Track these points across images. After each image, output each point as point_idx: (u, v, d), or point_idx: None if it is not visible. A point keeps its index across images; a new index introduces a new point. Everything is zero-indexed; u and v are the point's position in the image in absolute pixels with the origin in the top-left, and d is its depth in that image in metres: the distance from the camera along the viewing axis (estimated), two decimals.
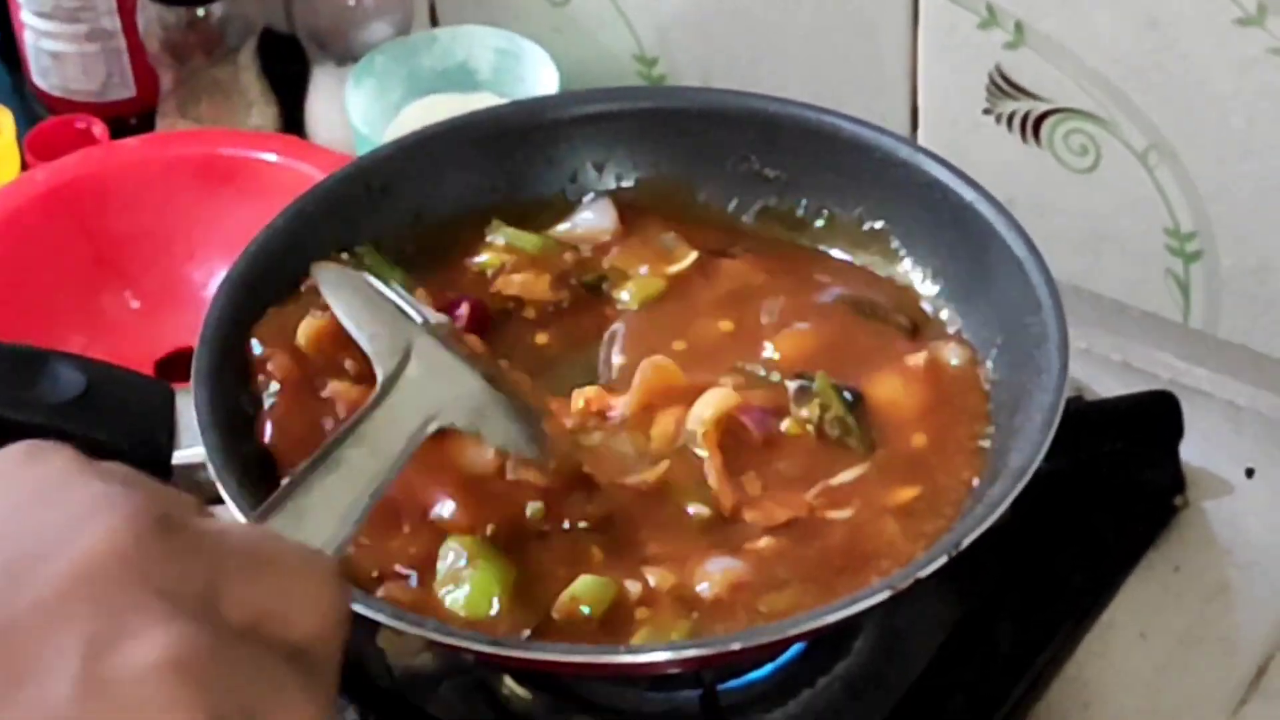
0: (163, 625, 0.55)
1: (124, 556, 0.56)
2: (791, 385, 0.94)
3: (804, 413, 0.93)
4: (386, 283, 0.97)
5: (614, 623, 0.85)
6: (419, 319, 0.92)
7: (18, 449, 0.60)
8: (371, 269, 1.00)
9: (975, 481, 0.90)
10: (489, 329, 0.99)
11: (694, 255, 1.02)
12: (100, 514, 0.57)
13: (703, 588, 0.86)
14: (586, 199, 1.05)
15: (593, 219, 1.04)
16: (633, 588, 0.86)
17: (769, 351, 0.96)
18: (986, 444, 0.92)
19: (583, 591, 0.85)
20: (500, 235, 1.03)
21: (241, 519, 0.85)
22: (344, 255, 1.00)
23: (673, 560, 0.87)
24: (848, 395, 0.93)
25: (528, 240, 1.03)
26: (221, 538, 0.60)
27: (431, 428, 0.85)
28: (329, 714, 0.61)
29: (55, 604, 0.55)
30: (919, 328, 0.98)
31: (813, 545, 0.87)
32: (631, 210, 1.04)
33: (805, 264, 1.02)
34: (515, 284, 1.01)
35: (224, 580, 0.58)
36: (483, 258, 1.03)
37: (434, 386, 0.87)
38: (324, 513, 0.76)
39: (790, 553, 0.87)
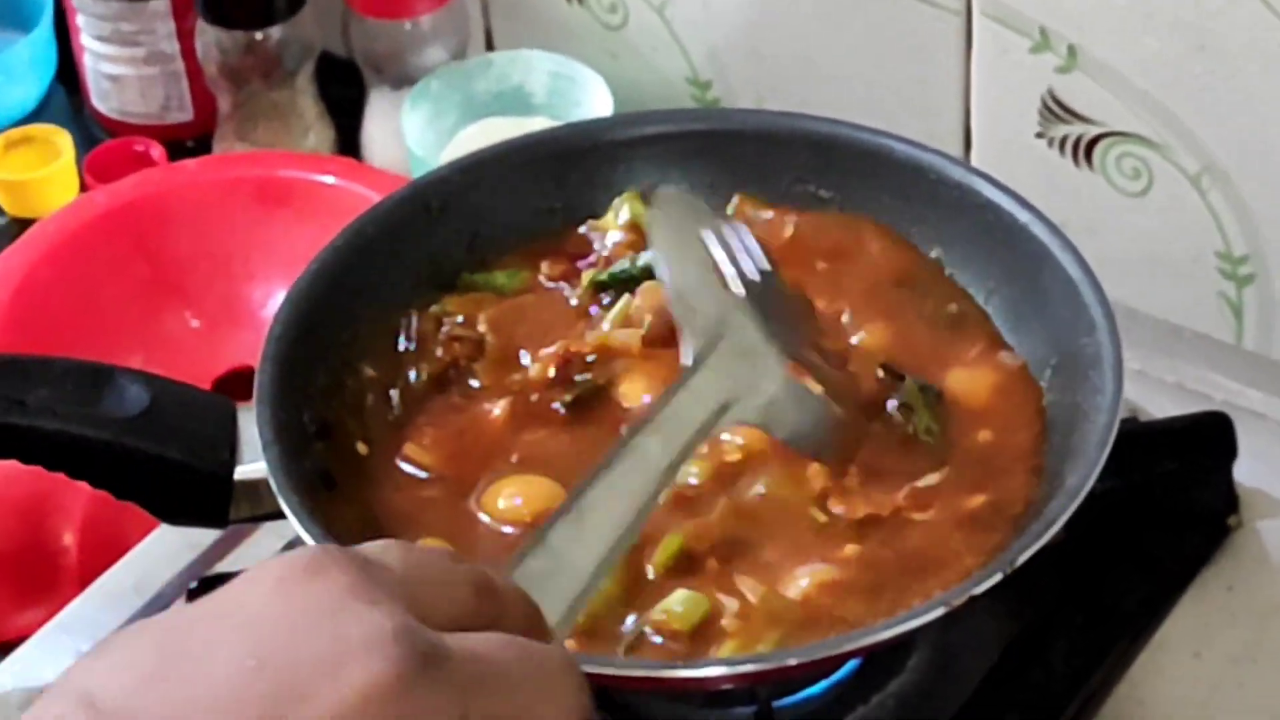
0: None
1: (384, 702, 0.56)
2: (880, 373, 0.94)
3: (894, 410, 0.93)
4: (721, 227, 0.95)
5: (703, 635, 0.86)
6: (740, 292, 0.91)
7: (301, 559, 0.60)
8: None
9: (1031, 499, 0.89)
10: None
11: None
12: (370, 654, 0.57)
13: (793, 591, 0.87)
14: None
15: None
16: (728, 604, 0.86)
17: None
18: (1042, 461, 0.91)
19: (677, 606, 0.86)
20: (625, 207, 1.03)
21: (305, 535, 0.85)
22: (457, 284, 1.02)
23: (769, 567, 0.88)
24: (932, 393, 0.93)
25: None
26: (479, 663, 0.60)
27: (725, 420, 0.85)
28: None
29: None
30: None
31: (891, 548, 0.88)
32: None
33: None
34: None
35: (475, 707, 0.59)
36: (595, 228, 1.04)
37: (736, 373, 0.87)
38: (605, 512, 0.76)
39: (872, 556, 0.88)
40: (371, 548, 0.63)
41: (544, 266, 1.02)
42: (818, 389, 0.91)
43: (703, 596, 0.87)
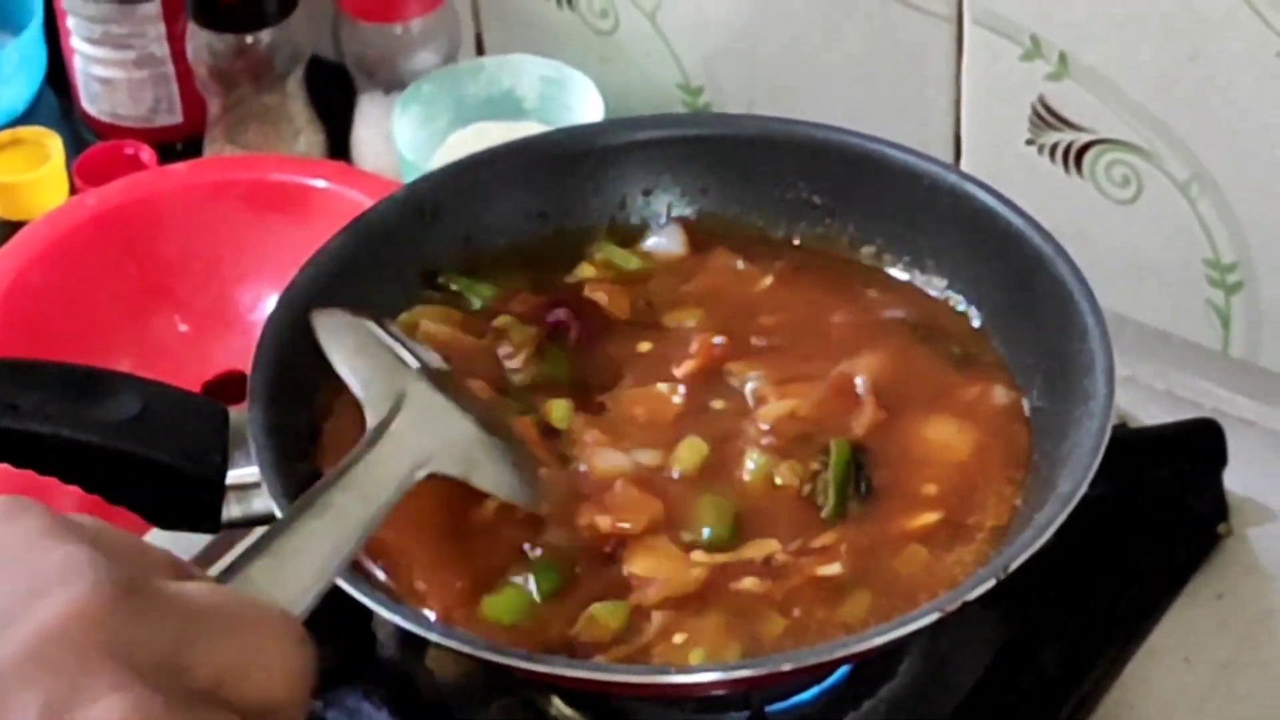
0: (120, 691, 0.57)
1: (87, 623, 0.57)
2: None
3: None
4: (385, 327, 0.96)
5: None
6: (415, 365, 0.92)
7: None
8: (462, 289, 1.01)
9: (1018, 505, 0.90)
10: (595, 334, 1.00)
11: (769, 280, 1.02)
12: (67, 580, 0.58)
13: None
14: (655, 224, 1.05)
15: (664, 244, 1.05)
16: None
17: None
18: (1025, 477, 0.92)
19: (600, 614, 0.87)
20: (601, 252, 1.04)
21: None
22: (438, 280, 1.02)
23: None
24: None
25: (628, 259, 1.04)
26: (188, 600, 0.61)
27: (420, 474, 0.84)
28: None
29: (17, 668, 0.57)
30: (970, 359, 0.98)
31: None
32: (698, 234, 1.05)
33: (861, 281, 1.02)
34: (601, 299, 1.02)
35: (187, 644, 0.60)
36: (583, 272, 1.04)
37: (425, 432, 0.87)
38: (306, 558, 0.75)
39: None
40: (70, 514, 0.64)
41: (518, 300, 1.02)
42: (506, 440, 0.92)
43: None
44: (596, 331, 1.00)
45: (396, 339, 0.94)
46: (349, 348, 0.93)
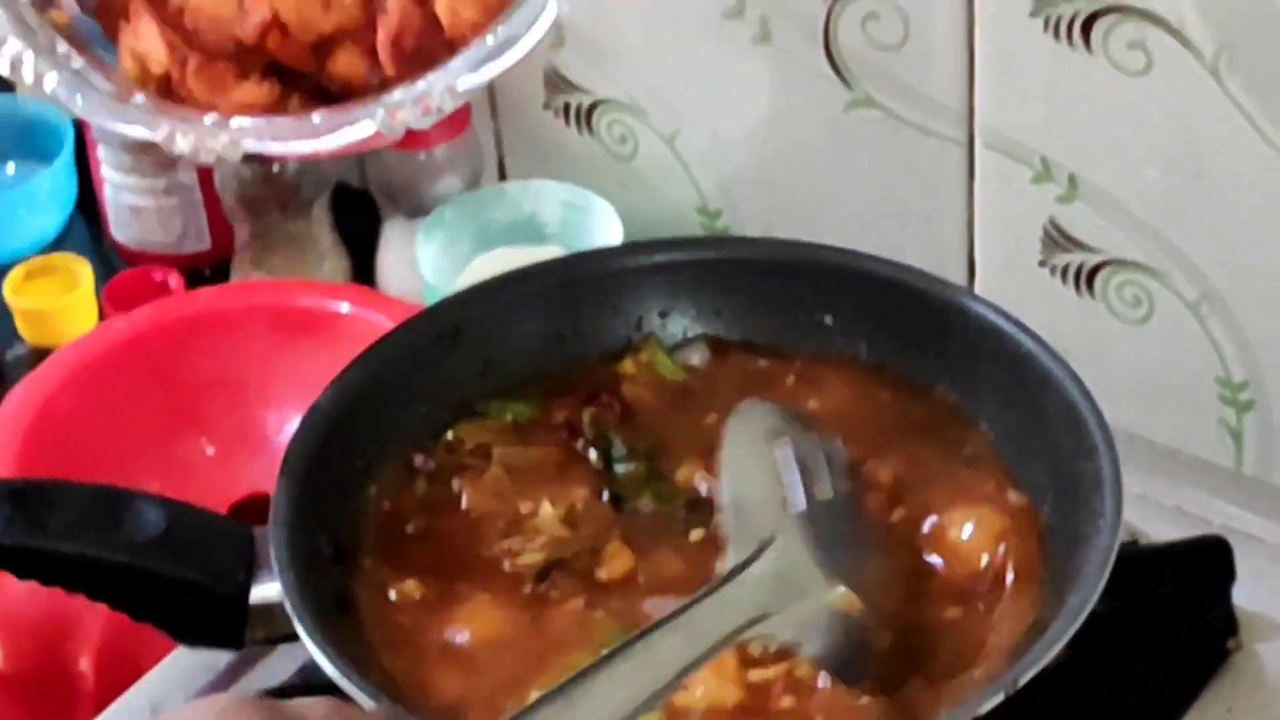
0: None
1: None
2: None
3: None
4: (800, 443, 0.94)
5: None
6: (800, 507, 0.91)
7: (219, 703, 0.65)
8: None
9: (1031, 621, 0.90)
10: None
11: (792, 377, 1.03)
12: None
13: None
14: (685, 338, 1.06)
15: (693, 358, 1.05)
16: None
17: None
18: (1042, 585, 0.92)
19: None
20: (647, 352, 1.04)
21: (320, 658, 0.86)
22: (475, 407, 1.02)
23: None
24: None
25: (675, 371, 1.04)
26: None
27: (753, 633, 0.84)
28: None
29: None
30: (980, 459, 0.99)
31: None
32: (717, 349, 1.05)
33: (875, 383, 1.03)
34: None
35: None
36: (624, 367, 1.04)
37: (776, 590, 0.86)
38: (601, 704, 0.76)
39: None
40: (300, 702, 0.65)
41: (556, 409, 1.03)
42: (857, 614, 0.89)
43: None
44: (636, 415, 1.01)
45: (802, 462, 0.93)
46: (742, 467, 0.94)
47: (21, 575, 0.91)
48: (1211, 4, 1.09)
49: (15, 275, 1.40)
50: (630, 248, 1.12)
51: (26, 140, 1.53)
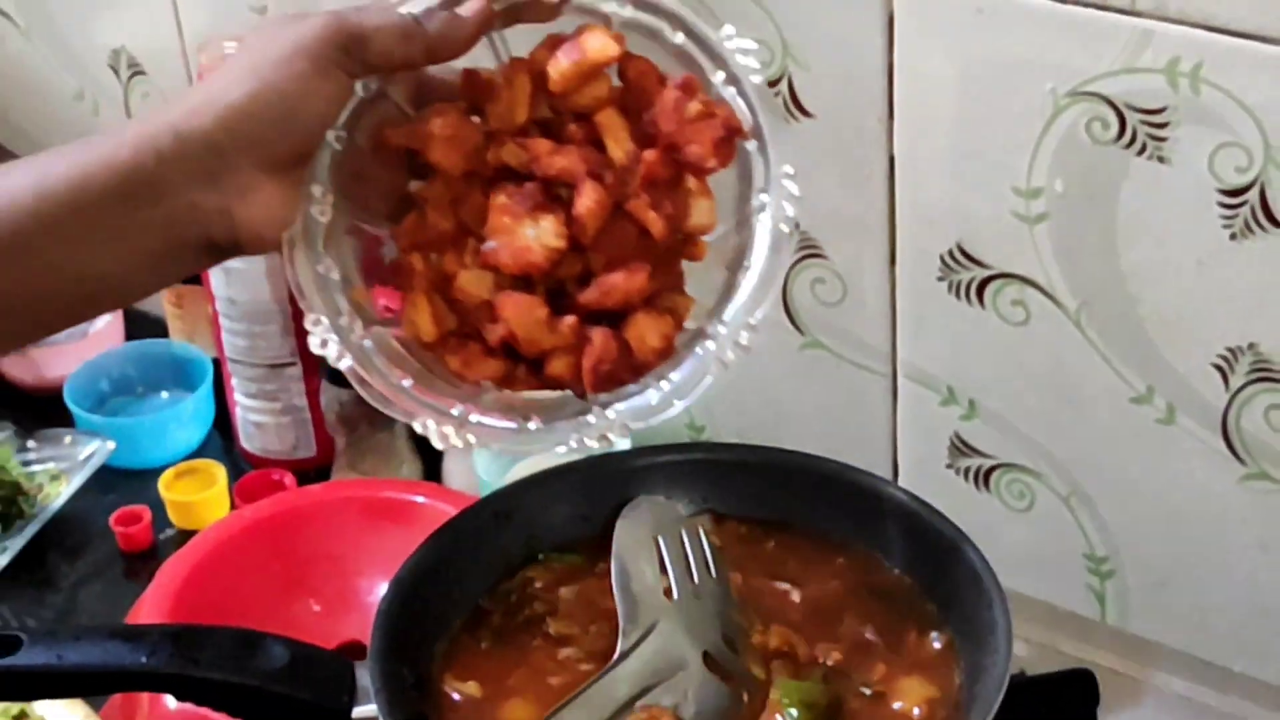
0: None
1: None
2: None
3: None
4: (685, 528, 0.93)
5: None
6: (677, 594, 0.89)
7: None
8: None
9: None
10: None
11: (771, 543, 1.02)
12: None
13: None
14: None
15: None
16: None
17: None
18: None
19: None
20: None
21: None
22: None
23: None
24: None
25: None
26: None
27: (643, 701, 0.84)
28: None
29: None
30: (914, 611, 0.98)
31: None
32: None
33: (833, 551, 1.01)
34: None
35: None
36: None
37: (660, 665, 0.85)
38: None
39: None
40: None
41: (599, 561, 1.00)
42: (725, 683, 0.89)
43: None
44: None
45: (680, 551, 0.92)
46: (632, 554, 0.92)
47: (180, 697, 0.92)
48: (1072, 272, 1.10)
49: (168, 476, 1.41)
50: (639, 451, 1.11)
51: (176, 373, 1.54)
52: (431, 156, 0.89)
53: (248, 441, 1.47)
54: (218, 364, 1.47)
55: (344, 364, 0.88)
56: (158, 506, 1.40)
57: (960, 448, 1.22)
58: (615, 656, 0.86)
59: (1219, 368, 1.08)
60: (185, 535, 1.34)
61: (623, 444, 1.21)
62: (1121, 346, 1.11)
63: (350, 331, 0.89)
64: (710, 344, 0.89)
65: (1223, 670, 1.08)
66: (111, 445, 1.42)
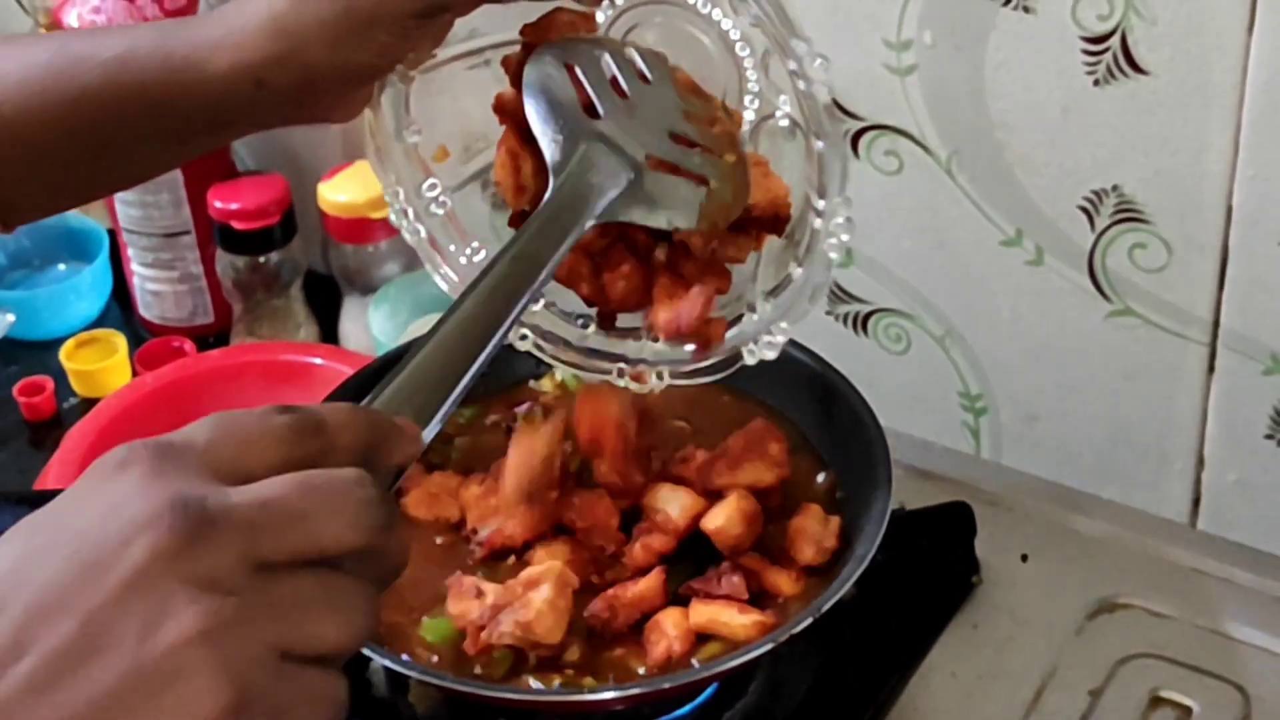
0: (195, 604, 0.54)
1: (170, 561, 0.54)
2: None
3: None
4: (608, 51, 0.82)
5: None
6: (604, 112, 0.80)
7: (112, 459, 0.58)
8: None
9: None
10: None
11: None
12: (151, 526, 0.54)
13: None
14: None
15: None
16: None
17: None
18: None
19: None
20: (563, 374, 1.01)
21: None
22: None
23: None
24: None
25: (574, 383, 1.02)
26: (257, 508, 0.56)
27: (595, 209, 0.77)
28: (372, 618, 0.57)
29: (118, 600, 0.54)
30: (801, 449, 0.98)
31: None
32: None
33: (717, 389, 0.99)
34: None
35: (254, 547, 0.55)
36: (543, 385, 1.03)
37: (599, 171, 0.79)
38: (480, 318, 0.70)
39: None
40: (185, 430, 0.59)
41: (490, 413, 1.02)
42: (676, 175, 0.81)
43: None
44: None
45: (609, 67, 0.82)
46: (544, 86, 0.82)
47: None
48: (942, 122, 1.11)
49: (69, 346, 1.38)
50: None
51: (73, 245, 1.51)
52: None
53: (146, 310, 1.45)
54: (113, 235, 1.45)
55: (416, 238, 0.85)
56: (60, 376, 1.38)
57: (839, 294, 1.22)
58: (547, 194, 0.78)
59: (1084, 210, 1.09)
60: (88, 404, 1.32)
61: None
62: (991, 192, 1.12)
63: (428, 199, 0.86)
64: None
65: (1091, 497, 1.09)
66: (11, 318, 1.39)
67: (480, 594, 0.86)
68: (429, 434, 0.65)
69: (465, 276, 0.87)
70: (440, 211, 0.87)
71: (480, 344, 0.69)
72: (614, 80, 0.83)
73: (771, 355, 0.85)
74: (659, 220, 0.81)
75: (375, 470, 0.60)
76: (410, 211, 0.87)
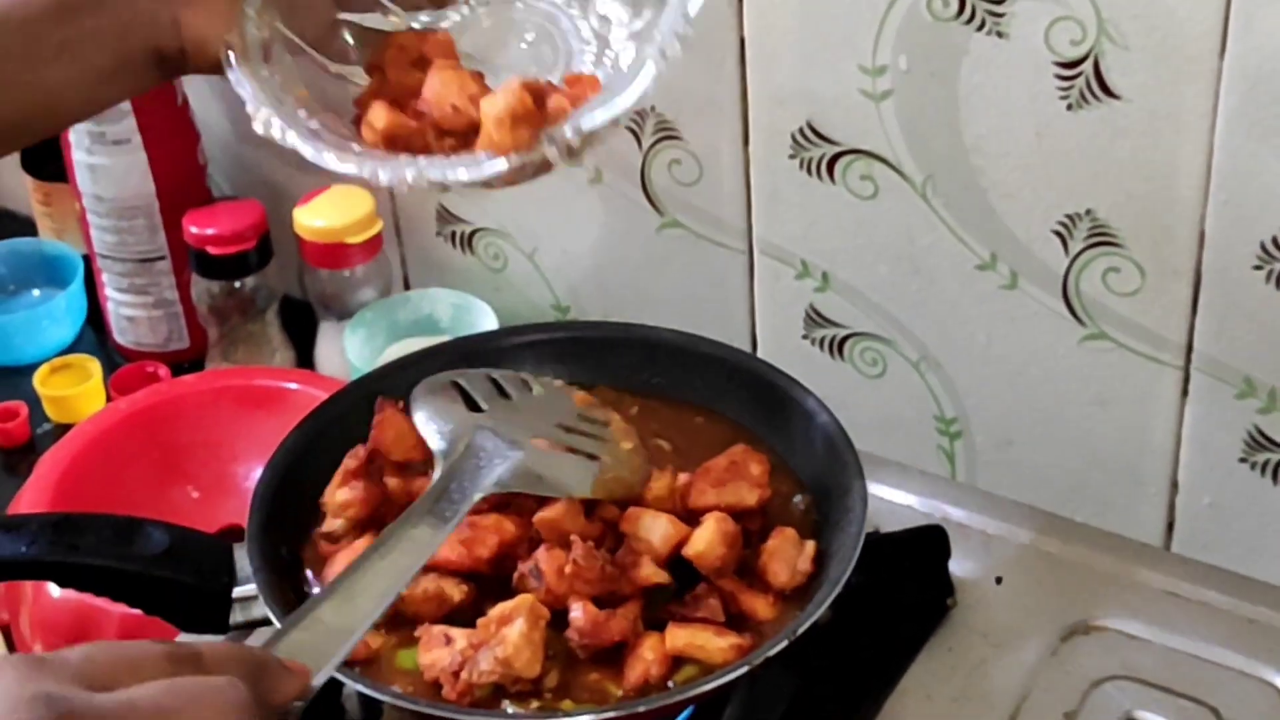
0: None
1: None
2: None
3: None
4: (495, 371, 0.91)
5: None
6: (484, 410, 0.88)
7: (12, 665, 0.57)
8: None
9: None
10: None
11: (636, 408, 1.01)
12: (11, 717, 0.55)
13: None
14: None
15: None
16: None
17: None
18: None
19: None
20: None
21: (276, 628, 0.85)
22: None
23: None
24: None
25: None
26: (126, 707, 0.56)
27: (482, 490, 0.83)
28: None
29: None
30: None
31: None
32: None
33: (691, 413, 1.01)
34: None
35: None
36: None
37: (487, 463, 0.85)
38: (374, 589, 0.74)
39: None
40: (61, 650, 0.59)
41: None
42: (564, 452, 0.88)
43: None
44: None
45: (496, 379, 0.91)
46: (430, 400, 0.90)
47: (62, 584, 0.91)
48: (918, 146, 1.11)
49: (43, 371, 1.39)
50: (504, 331, 1.10)
51: (47, 271, 1.51)
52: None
53: (121, 336, 1.46)
54: (88, 260, 1.45)
55: (289, 139, 0.85)
56: (34, 402, 1.38)
57: (815, 319, 1.22)
58: (437, 477, 0.84)
59: (1058, 234, 1.10)
60: (62, 429, 1.33)
61: (490, 328, 1.17)
62: (966, 216, 1.12)
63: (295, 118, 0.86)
64: (649, 44, 0.84)
65: (1066, 521, 1.09)
66: None
67: (449, 640, 0.86)
68: (320, 679, 0.68)
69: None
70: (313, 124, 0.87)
71: (376, 605, 0.75)
72: (503, 392, 0.92)
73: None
74: (552, 491, 0.87)
75: (260, 704, 0.61)
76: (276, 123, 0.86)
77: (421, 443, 0.92)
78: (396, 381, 1.02)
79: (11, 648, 1.14)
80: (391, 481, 0.94)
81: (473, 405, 0.92)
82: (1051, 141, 1.06)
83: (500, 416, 0.90)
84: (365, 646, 0.88)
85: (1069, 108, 1.05)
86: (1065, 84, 1.04)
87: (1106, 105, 1.04)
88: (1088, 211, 1.08)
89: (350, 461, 0.93)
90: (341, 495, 0.92)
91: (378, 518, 0.92)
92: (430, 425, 0.89)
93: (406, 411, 0.94)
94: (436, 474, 0.85)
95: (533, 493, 0.87)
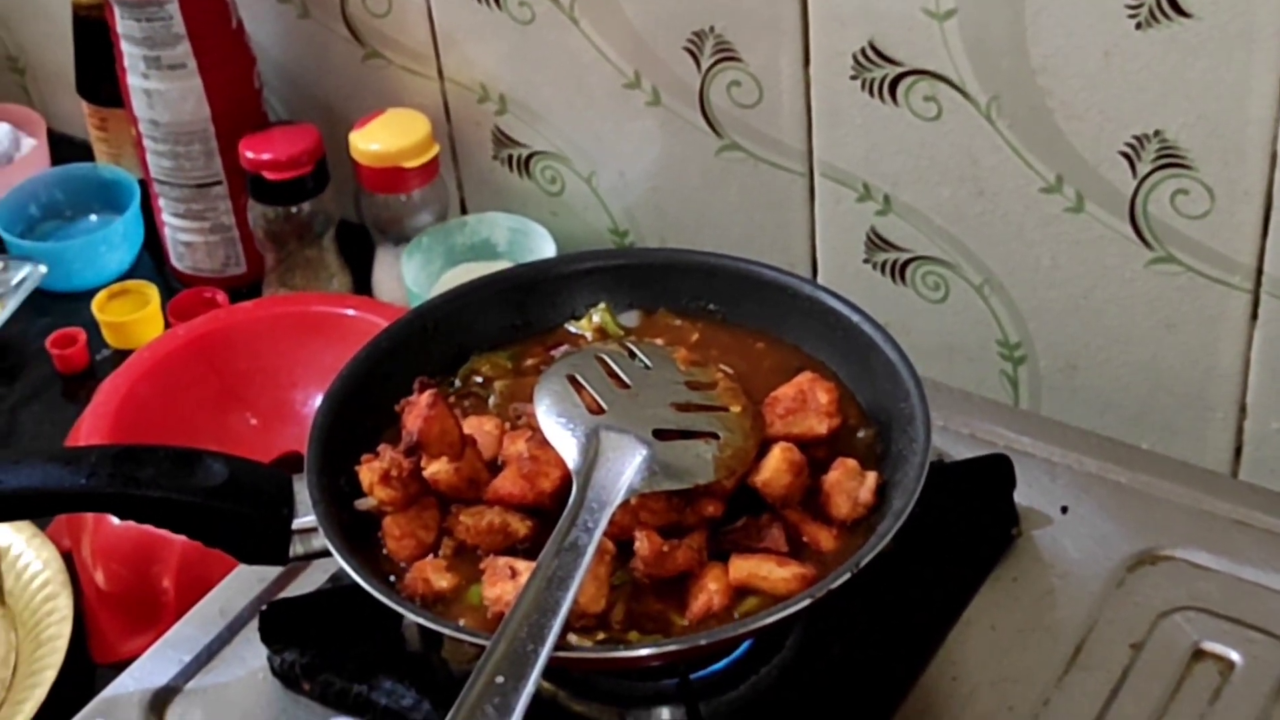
0: None
1: None
2: None
3: None
4: (604, 353, 0.92)
5: None
6: (604, 409, 0.89)
7: None
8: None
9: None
10: None
11: (696, 334, 1.01)
12: None
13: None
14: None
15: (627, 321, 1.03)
16: None
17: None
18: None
19: None
20: (599, 315, 1.02)
21: (344, 566, 0.85)
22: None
23: None
24: None
25: (615, 328, 1.01)
26: None
27: (624, 494, 0.84)
28: None
29: None
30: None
31: None
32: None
33: (752, 338, 1.01)
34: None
35: None
36: (582, 325, 1.02)
37: (617, 469, 0.86)
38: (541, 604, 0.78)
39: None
40: None
41: (528, 358, 1.01)
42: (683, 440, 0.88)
43: None
44: None
45: (609, 365, 0.92)
46: (550, 401, 0.90)
47: (122, 516, 0.91)
48: (982, 67, 1.09)
49: (101, 297, 1.39)
50: (562, 258, 1.10)
51: (104, 196, 1.51)
52: None
53: (178, 261, 1.45)
54: (145, 185, 1.45)
55: None
56: (92, 328, 1.39)
57: (876, 242, 1.21)
58: (575, 491, 0.85)
59: (1126, 155, 1.08)
60: (121, 355, 1.32)
61: (547, 253, 1.18)
62: (1031, 138, 1.11)
63: None
64: None
65: (1131, 448, 1.08)
66: (43, 269, 1.40)
67: (514, 573, 0.85)
68: None
69: None
70: None
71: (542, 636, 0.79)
72: (615, 375, 0.92)
73: None
74: (680, 484, 0.87)
75: None
76: None
77: (463, 436, 0.91)
78: (455, 309, 1.03)
79: (74, 576, 1.14)
80: (434, 467, 0.91)
81: (591, 402, 0.91)
82: (1120, 61, 1.04)
83: (619, 410, 0.90)
84: (429, 585, 0.88)
85: (1138, 26, 1.03)
86: (1135, 2, 1.02)
87: (1177, 24, 1.02)
88: (1156, 133, 1.06)
89: (380, 463, 0.91)
90: (380, 493, 0.91)
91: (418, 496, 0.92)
92: (561, 436, 0.88)
93: (440, 396, 0.92)
94: (575, 489, 0.85)
95: (662, 490, 0.86)
